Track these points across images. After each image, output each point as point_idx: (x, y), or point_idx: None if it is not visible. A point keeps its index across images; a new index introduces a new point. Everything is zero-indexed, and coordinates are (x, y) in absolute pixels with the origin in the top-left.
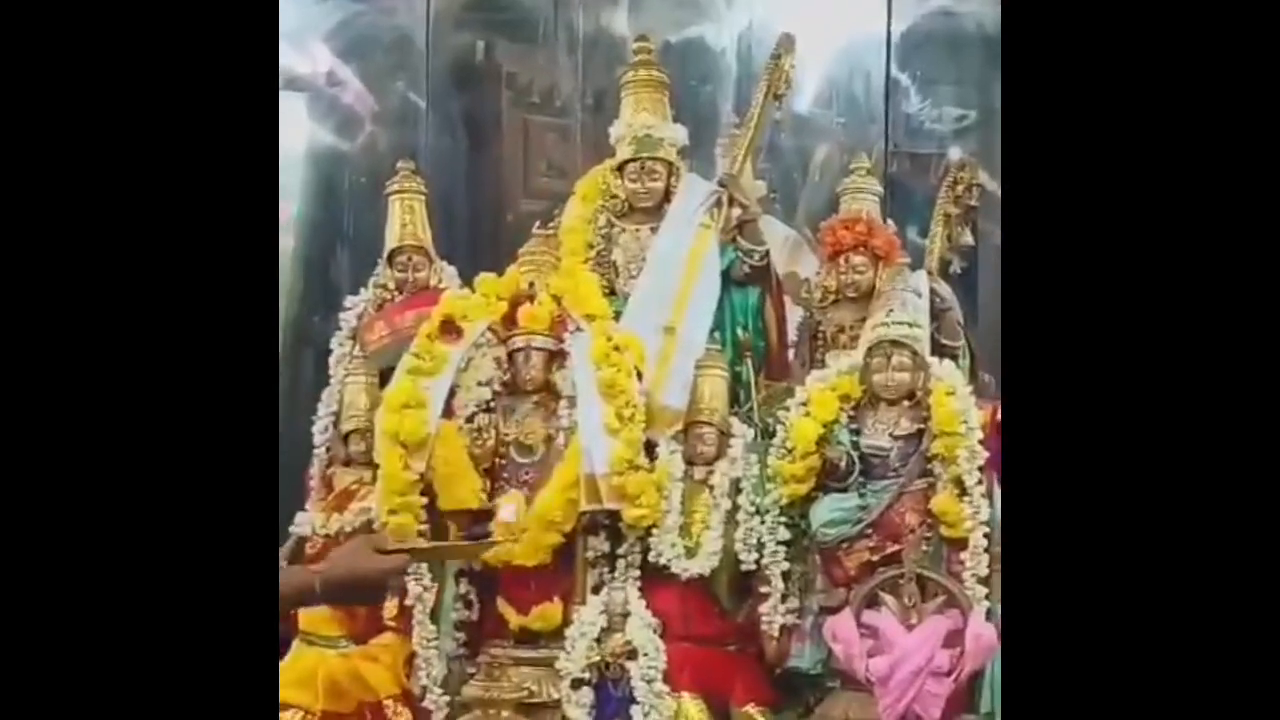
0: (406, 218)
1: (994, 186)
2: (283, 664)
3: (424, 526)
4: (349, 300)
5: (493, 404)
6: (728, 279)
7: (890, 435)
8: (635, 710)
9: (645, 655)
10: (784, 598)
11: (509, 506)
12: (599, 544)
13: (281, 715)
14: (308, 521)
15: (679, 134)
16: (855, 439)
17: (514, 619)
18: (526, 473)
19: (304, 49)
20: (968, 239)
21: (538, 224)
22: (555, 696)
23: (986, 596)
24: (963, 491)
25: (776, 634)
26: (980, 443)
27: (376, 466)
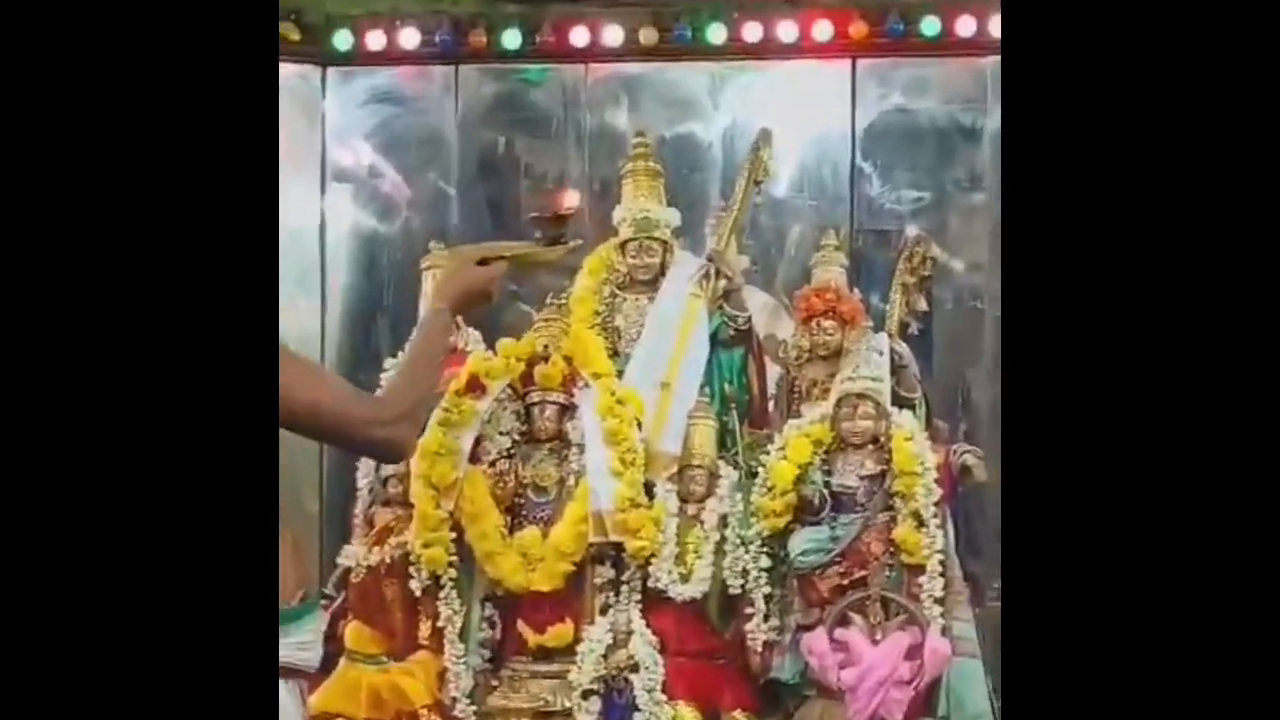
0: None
1: (945, 258)
2: (330, 679)
3: (453, 557)
4: (388, 362)
5: (512, 451)
6: (715, 341)
7: (857, 475)
8: (638, 716)
9: (646, 669)
10: (766, 617)
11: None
12: (605, 571)
13: None
14: (353, 554)
15: (673, 216)
16: (827, 479)
17: (532, 638)
18: (542, 511)
19: (349, 146)
20: (923, 305)
21: (550, 295)
22: (568, 705)
23: (942, 614)
24: (920, 524)
25: (760, 649)
26: (935, 481)
27: (412, 506)
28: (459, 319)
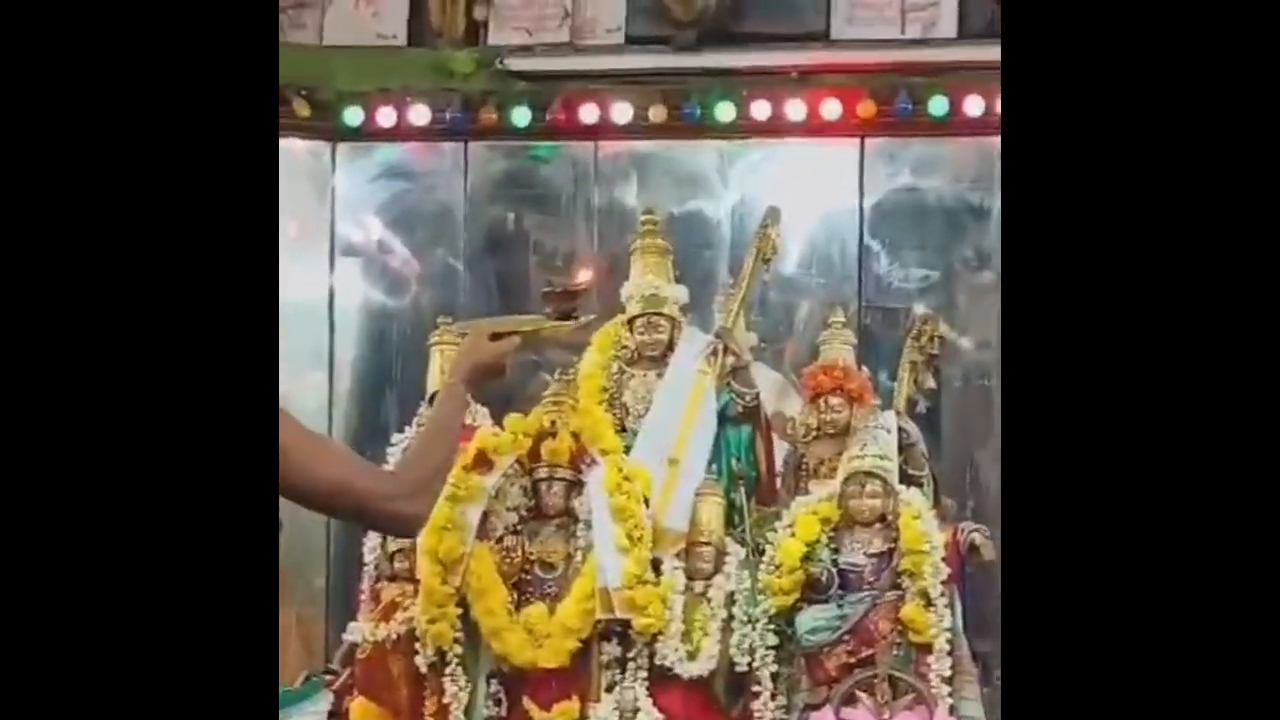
0: (446, 366)
1: (953, 336)
2: None
3: (459, 634)
4: (395, 436)
5: (519, 527)
6: (723, 418)
7: (865, 553)
8: None
9: None
10: (773, 695)
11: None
12: (612, 649)
13: None
14: (358, 630)
15: (681, 293)
16: (834, 557)
17: (538, 715)
18: (549, 587)
19: (358, 221)
20: (931, 383)
21: (558, 371)
22: None
23: (950, 694)
24: (928, 602)
25: None
26: (943, 560)
27: (418, 581)
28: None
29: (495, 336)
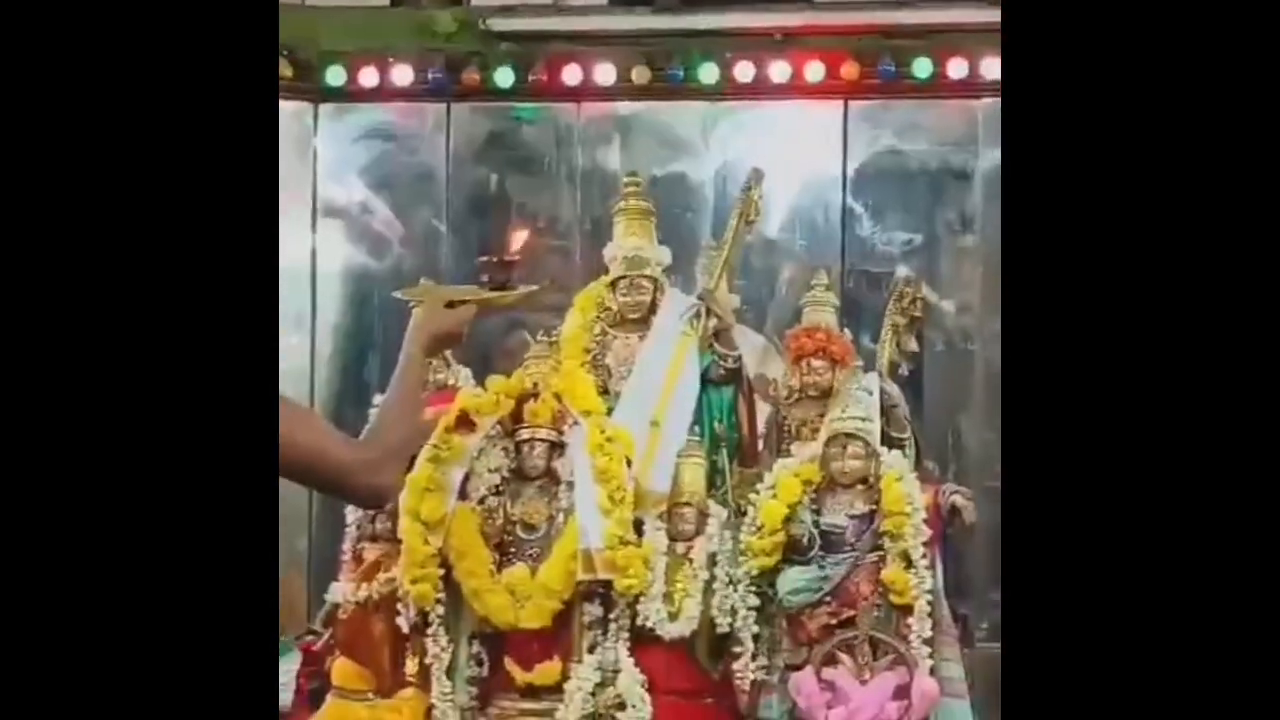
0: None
1: (936, 300)
2: (317, 715)
3: (441, 594)
4: (377, 398)
5: (502, 488)
6: (706, 380)
7: (846, 515)
8: None
9: (633, 707)
10: (754, 656)
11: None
12: (594, 610)
13: None
14: (340, 590)
15: (664, 255)
16: (816, 518)
17: (519, 675)
18: (531, 548)
19: (341, 182)
20: (913, 345)
21: (541, 332)
22: None
23: (930, 655)
24: (909, 564)
25: (748, 688)
26: (925, 521)
27: (400, 542)
28: (449, 356)
29: (451, 304)
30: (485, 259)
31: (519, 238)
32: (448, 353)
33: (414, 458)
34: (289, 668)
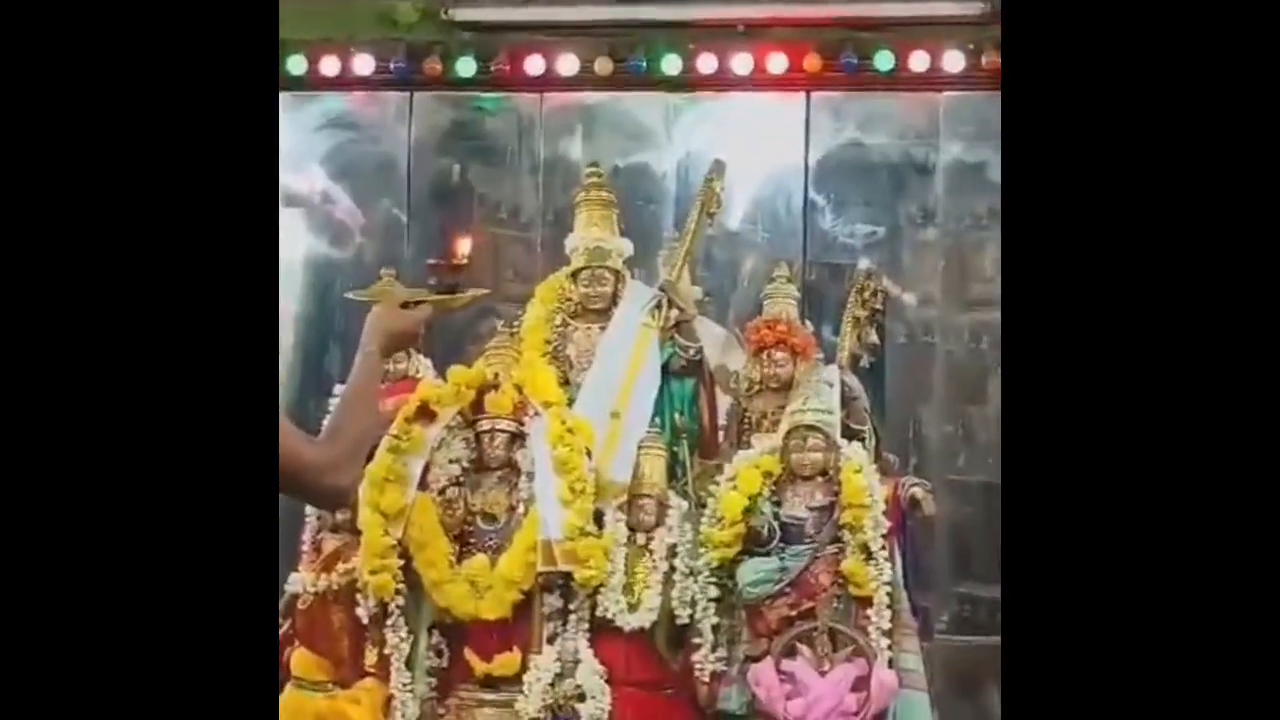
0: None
1: (897, 292)
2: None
3: (401, 585)
4: (339, 388)
5: (462, 479)
6: (667, 371)
7: (806, 507)
8: None
9: (593, 698)
10: (714, 648)
11: (465, 242)
12: (554, 600)
13: None
14: (299, 580)
15: (625, 246)
16: (776, 510)
17: (479, 666)
18: (491, 539)
19: (302, 170)
20: (874, 338)
21: (502, 323)
22: None
23: (889, 646)
24: (869, 556)
25: (708, 679)
26: (884, 513)
27: (360, 533)
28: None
29: (405, 305)
30: (434, 262)
31: (465, 243)
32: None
33: (373, 450)
34: None
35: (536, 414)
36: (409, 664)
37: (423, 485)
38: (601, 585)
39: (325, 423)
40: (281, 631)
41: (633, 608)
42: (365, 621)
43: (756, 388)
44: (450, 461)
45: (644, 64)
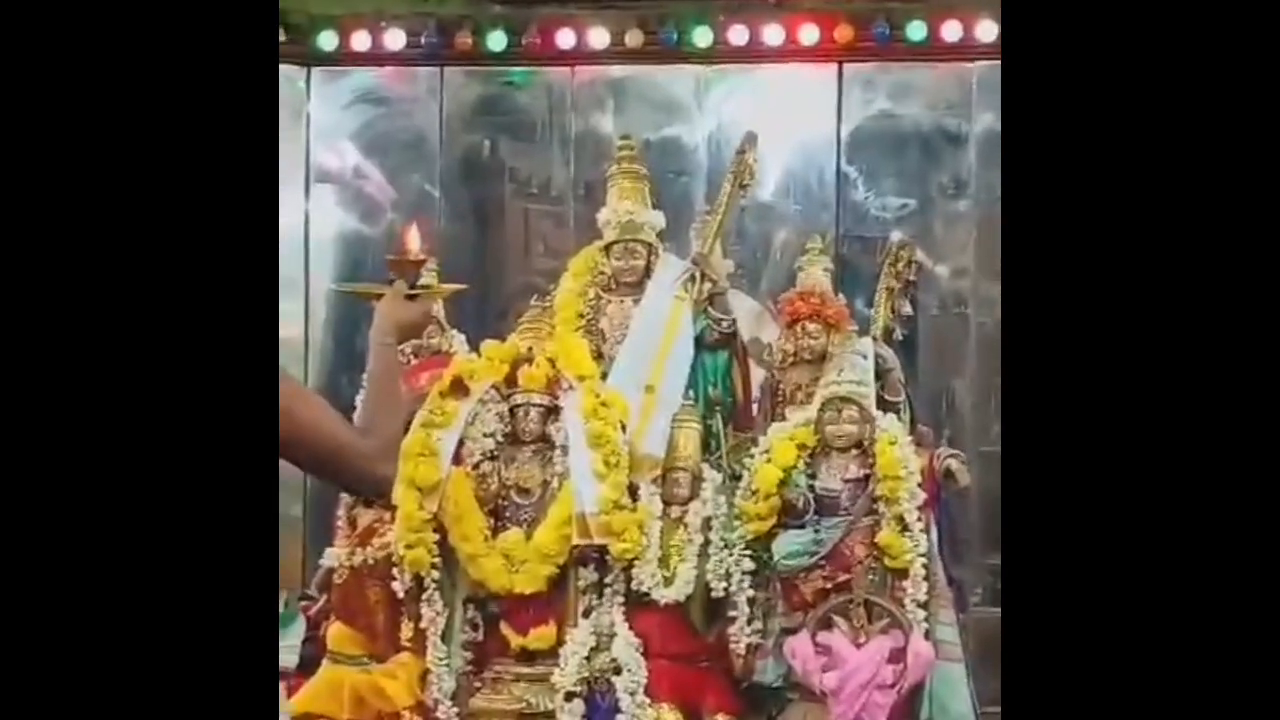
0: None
1: (930, 264)
2: (312, 680)
3: (436, 559)
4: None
5: (496, 453)
6: (700, 344)
7: (841, 479)
8: (620, 719)
9: (629, 671)
10: (749, 620)
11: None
12: (589, 574)
13: None
14: (335, 555)
15: (658, 219)
16: (811, 482)
17: (515, 640)
18: (525, 512)
19: (333, 147)
20: (907, 309)
21: (535, 297)
22: (550, 707)
23: (925, 618)
24: (904, 527)
25: (743, 652)
26: (919, 485)
27: (395, 507)
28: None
29: (410, 296)
30: (394, 259)
31: (414, 236)
32: (442, 318)
33: (407, 425)
34: (296, 633)
35: (570, 388)
36: (445, 638)
37: (457, 460)
38: (636, 559)
39: (356, 416)
40: (318, 606)
41: (668, 581)
42: (401, 596)
43: (790, 360)
44: (484, 436)
45: (675, 36)
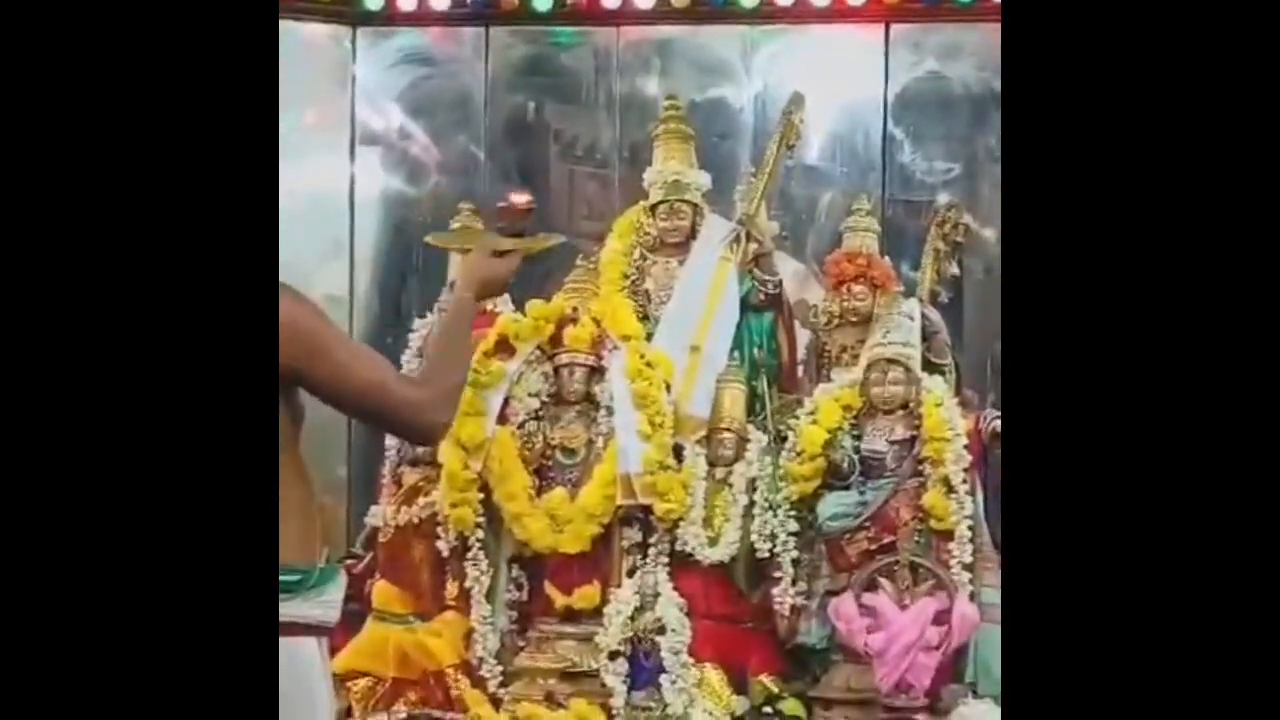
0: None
1: (977, 227)
2: (358, 638)
3: (481, 518)
4: (417, 323)
5: (541, 413)
6: (745, 305)
7: (887, 440)
8: (664, 679)
9: (673, 631)
10: (794, 582)
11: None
12: (633, 534)
13: (357, 683)
14: (380, 514)
15: (703, 180)
16: (856, 444)
17: (559, 599)
18: (570, 472)
19: (378, 108)
20: (954, 271)
21: (580, 257)
22: (594, 666)
23: (970, 581)
24: (950, 489)
25: (787, 613)
26: (965, 447)
27: (440, 466)
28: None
29: (498, 253)
30: (504, 205)
31: (522, 194)
32: None
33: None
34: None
35: (615, 348)
36: (489, 597)
37: (502, 419)
38: (681, 519)
39: (421, 366)
40: (363, 564)
41: (712, 542)
42: (445, 555)
43: (836, 321)
44: (529, 395)
45: None
